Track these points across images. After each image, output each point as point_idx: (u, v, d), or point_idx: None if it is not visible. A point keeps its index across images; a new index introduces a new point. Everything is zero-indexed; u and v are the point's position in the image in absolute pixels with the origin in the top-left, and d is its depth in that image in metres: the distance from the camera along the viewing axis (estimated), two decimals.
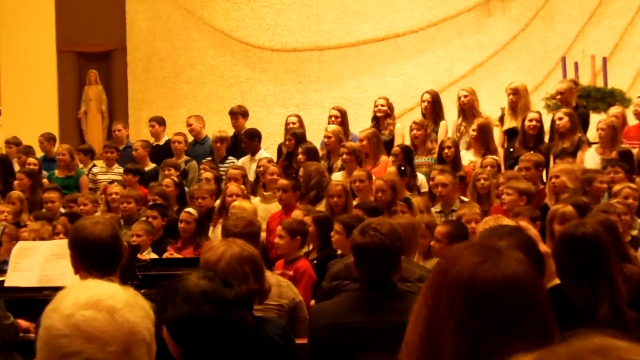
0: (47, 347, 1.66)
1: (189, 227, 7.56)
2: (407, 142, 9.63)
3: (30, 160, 10.65)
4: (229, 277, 2.94)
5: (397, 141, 9.72)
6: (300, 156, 9.14)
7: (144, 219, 7.90)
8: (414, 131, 9.34)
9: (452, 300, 1.57)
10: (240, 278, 3.15)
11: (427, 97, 9.96)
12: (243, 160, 10.10)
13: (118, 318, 1.68)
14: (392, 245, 3.73)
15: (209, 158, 10.27)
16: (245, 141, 10.22)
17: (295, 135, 9.65)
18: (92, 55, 13.96)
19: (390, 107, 10.20)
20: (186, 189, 9.30)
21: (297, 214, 6.90)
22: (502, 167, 8.81)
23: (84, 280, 3.59)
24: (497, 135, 9.48)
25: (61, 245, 5.91)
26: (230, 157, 10.31)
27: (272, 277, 4.58)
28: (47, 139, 11.57)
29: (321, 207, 7.74)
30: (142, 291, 5.11)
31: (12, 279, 5.90)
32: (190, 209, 7.74)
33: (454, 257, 1.68)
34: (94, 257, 3.60)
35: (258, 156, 9.88)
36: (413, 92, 12.08)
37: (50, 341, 1.65)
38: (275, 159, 9.87)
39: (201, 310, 2.71)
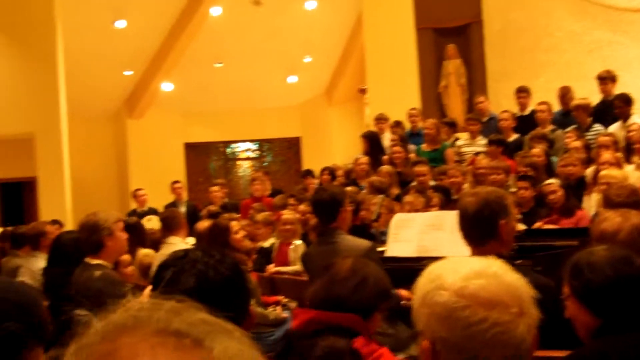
0: (447, 322, 1.72)
1: (557, 197, 7.49)
2: None
3: (393, 137, 11.10)
4: (630, 249, 2.87)
5: None
6: None
7: (513, 190, 7.94)
8: None
9: None
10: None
11: None
12: (614, 127, 9.76)
13: (504, 281, 1.74)
14: None
15: (574, 126, 10.05)
16: (619, 106, 9.86)
17: None
18: (449, 30, 14.16)
19: None
20: (553, 158, 9.20)
21: None
22: None
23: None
24: None
25: (437, 216, 6.16)
26: (595, 125, 10.00)
27: None
28: (416, 114, 12.02)
29: None
30: (518, 261, 5.18)
31: (392, 249, 6.24)
32: (552, 180, 7.65)
33: None
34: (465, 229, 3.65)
35: (629, 122, 9.50)
36: None
37: (450, 315, 1.72)
38: None
39: (626, 272, 2.65)
